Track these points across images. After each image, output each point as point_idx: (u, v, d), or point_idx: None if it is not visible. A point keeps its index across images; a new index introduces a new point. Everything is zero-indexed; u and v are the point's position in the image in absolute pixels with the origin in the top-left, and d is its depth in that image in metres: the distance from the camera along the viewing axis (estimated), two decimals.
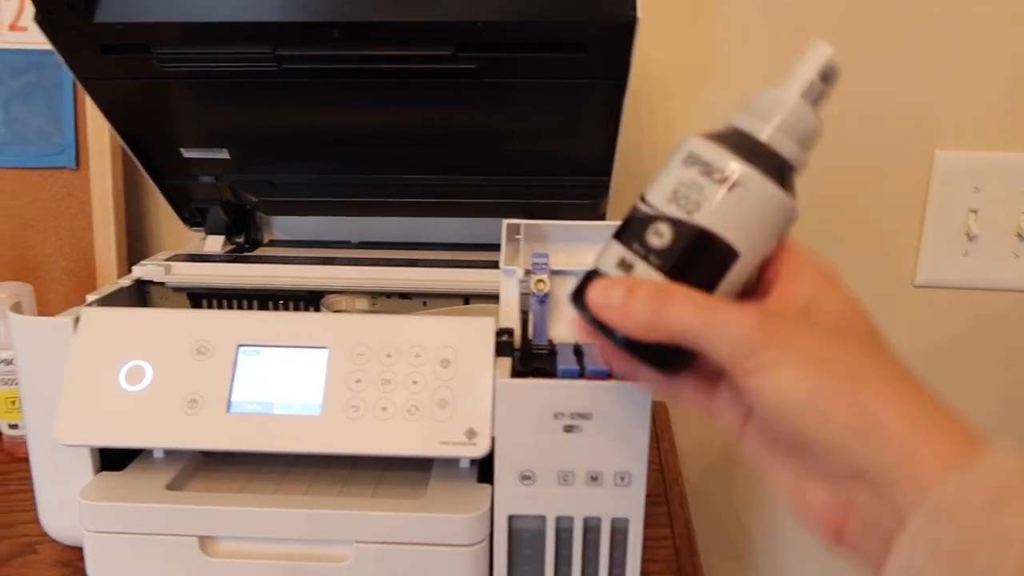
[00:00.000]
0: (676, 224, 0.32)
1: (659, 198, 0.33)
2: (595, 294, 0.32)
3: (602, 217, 0.70)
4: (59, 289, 0.82)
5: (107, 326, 0.51)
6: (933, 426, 0.27)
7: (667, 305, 0.31)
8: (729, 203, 0.31)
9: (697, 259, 0.32)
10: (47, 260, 0.82)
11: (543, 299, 0.53)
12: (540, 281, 0.53)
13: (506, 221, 0.56)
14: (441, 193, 0.72)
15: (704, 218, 0.32)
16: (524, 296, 0.55)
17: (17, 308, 0.52)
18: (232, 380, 0.49)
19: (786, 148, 0.33)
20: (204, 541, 0.49)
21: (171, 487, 0.51)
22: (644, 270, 0.32)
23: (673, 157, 0.34)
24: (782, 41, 0.79)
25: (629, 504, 0.48)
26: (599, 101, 0.61)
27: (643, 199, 0.33)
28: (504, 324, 0.53)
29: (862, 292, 0.89)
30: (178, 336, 0.50)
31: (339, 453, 0.48)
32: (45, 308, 0.82)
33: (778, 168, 0.33)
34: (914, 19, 0.78)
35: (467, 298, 0.66)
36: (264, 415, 0.49)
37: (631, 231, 0.33)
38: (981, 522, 0.25)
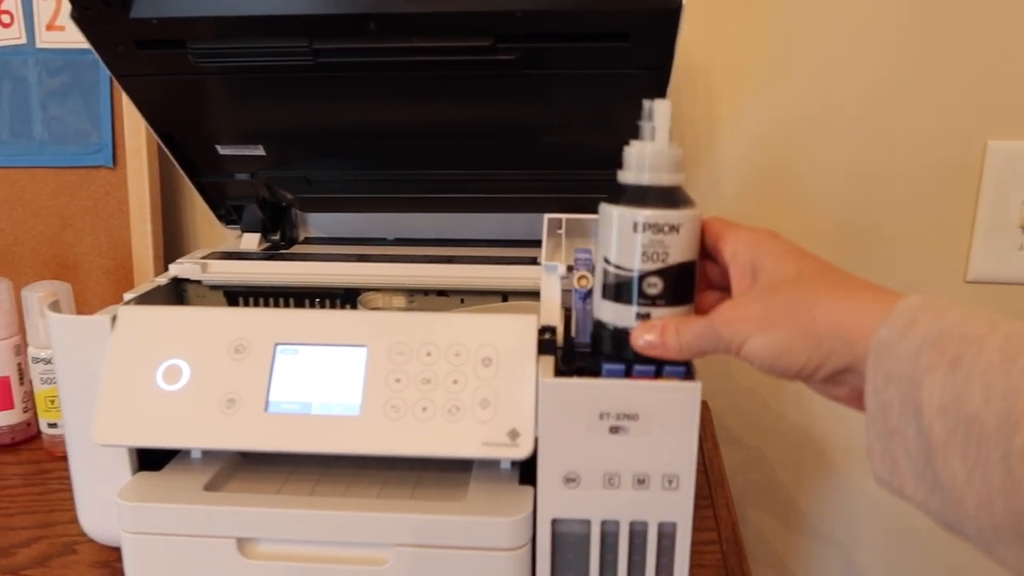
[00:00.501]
0: (660, 273, 0.44)
1: (634, 261, 0.44)
2: (637, 342, 0.44)
3: None
4: (96, 288, 0.82)
5: (144, 324, 0.50)
6: (859, 306, 0.37)
7: (681, 336, 0.43)
8: (681, 239, 0.44)
9: (681, 283, 0.44)
10: (85, 259, 0.82)
11: (586, 296, 0.51)
12: (583, 277, 0.51)
13: (547, 216, 0.55)
14: (479, 188, 0.71)
15: (674, 258, 0.44)
16: (566, 293, 0.53)
17: (55, 307, 0.52)
18: (270, 379, 0.49)
19: (680, 178, 0.45)
20: (242, 543, 0.49)
21: (208, 488, 0.51)
22: (657, 312, 0.44)
23: (612, 225, 0.44)
24: (831, 31, 0.76)
25: (677, 508, 0.47)
26: (642, 91, 0.58)
27: (618, 267, 0.44)
28: (546, 322, 0.52)
29: (913, 288, 0.85)
30: (215, 335, 0.50)
31: (379, 454, 0.47)
32: (83, 307, 0.82)
33: (685, 195, 0.45)
34: (966, 5, 0.75)
35: (505, 295, 0.65)
36: (302, 415, 0.48)
37: (631, 291, 0.44)
38: (903, 344, 0.34)
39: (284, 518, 0.48)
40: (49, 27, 0.78)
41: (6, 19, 0.79)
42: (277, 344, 0.49)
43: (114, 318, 0.51)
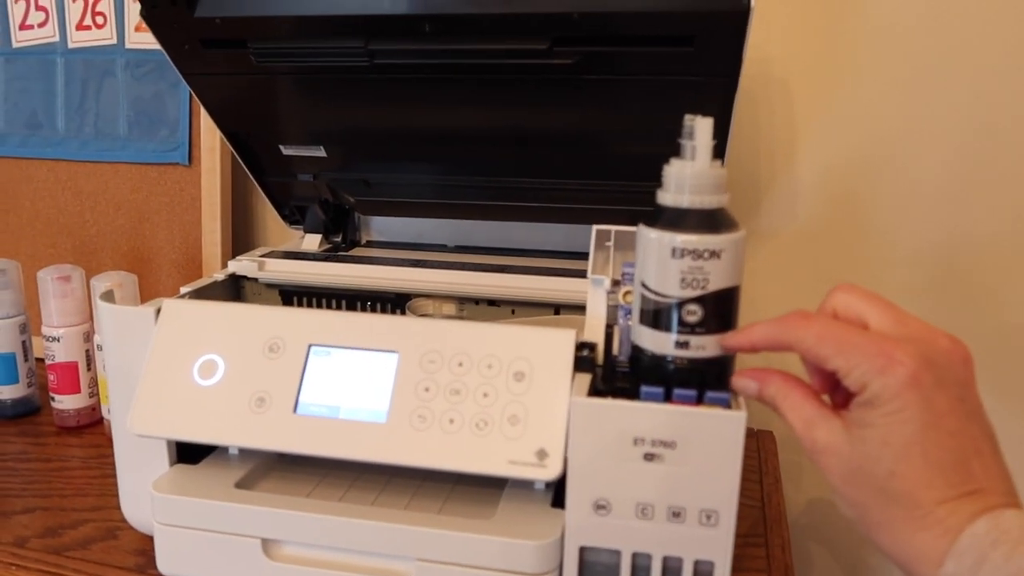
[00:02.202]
0: (699, 300, 0.42)
1: (672, 288, 0.42)
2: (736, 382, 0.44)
3: None
4: (168, 281, 0.84)
5: (187, 318, 0.51)
6: (924, 539, 0.36)
7: (783, 404, 0.41)
8: (722, 265, 0.41)
9: (723, 310, 0.42)
10: (159, 252, 0.85)
11: (632, 312, 0.48)
12: (629, 292, 0.48)
13: (596, 227, 0.52)
14: (540, 197, 0.69)
15: (714, 285, 0.41)
16: (613, 309, 0.51)
17: (108, 297, 0.53)
18: (301, 381, 0.48)
19: (724, 200, 0.42)
20: (266, 544, 0.48)
21: (240, 485, 0.50)
22: (697, 341, 0.42)
23: (651, 249, 0.42)
24: (918, 39, 0.71)
25: (715, 546, 0.43)
26: (707, 100, 0.56)
27: (656, 293, 0.42)
28: (588, 338, 0.49)
29: (1012, 329, 0.76)
30: (252, 332, 0.50)
31: (402, 464, 0.45)
32: (153, 298, 0.85)
33: (728, 218, 0.42)
34: None
35: (558, 308, 0.62)
36: (329, 419, 0.47)
37: (670, 318, 0.42)
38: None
39: (308, 522, 0.47)
40: (138, 28, 0.81)
41: (100, 20, 0.82)
42: (311, 345, 0.49)
43: (158, 310, 0.51)
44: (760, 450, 0.72)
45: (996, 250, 0.74)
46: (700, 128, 0.42)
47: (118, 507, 0.57)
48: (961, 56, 0.70)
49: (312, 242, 0.75)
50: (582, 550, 0.45)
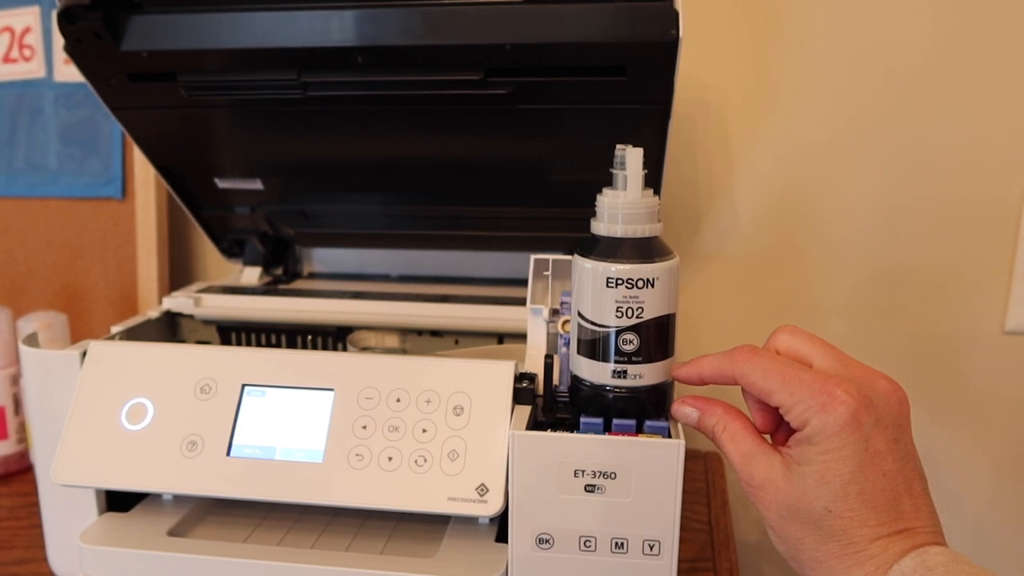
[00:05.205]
0: (635, 329, 0.42)
1: (608, 318, 0.42)
2: (678, 412, 0.44)
3: None
4: (103, 319, 0.82)
5: (113, 361, 0.49)
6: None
7: (722, 437, 0.42)
8: (657, 294, 0.42)
9: (659, 338, 0.42)
10: (93, 289, 0.82)
11: (570, 342, 0.48)
12: (568, 322, 0.48)
13: (534, 256, 0.52)
14: (480, 226, 0.68)
15: (649, 313, 0.42)
16: (554, 338, 0.51)
17: (31, 340, 0.51)
18: (234, 422, 0.47)
19: (657, 228, 0.43)
20: None
21: (173, 533, 0.49)
22: (634, 369, 0.42)
23: (586, 279, 0.43)
24: (851, 67, 0.73)
25: None
26: (641, 128, 0.56)
27: (593, 323, 0.42)
28: (528, 368, 0.49)
29: (950, 338, 0.79)
30: (182, 373, 0.48)
31: (340, 505, 0.44)
32: (87, 338, 0.82)
33: (662, 246, 0.43)
34: (1005, 31, 0.70)
35: (501, 337, 0.62)
36: (264, 461, 0.46)
37: (607, 348, 0.42)
38: None
39: (246, 569, 0.46)
40: (67, 61, 0.79)
41: (27, 53, 0.80)
42: (245, 385, 0.48)
43: (84, 353, 0.50)
44: (708, 472, 0.73)
45: (926, 271, 0.76)
46: (631, 158, 0.42)
47: (46, 560, 0.54)
48: (891, 82, 0.73)
49: (252, 275, 0.73)
50: None
